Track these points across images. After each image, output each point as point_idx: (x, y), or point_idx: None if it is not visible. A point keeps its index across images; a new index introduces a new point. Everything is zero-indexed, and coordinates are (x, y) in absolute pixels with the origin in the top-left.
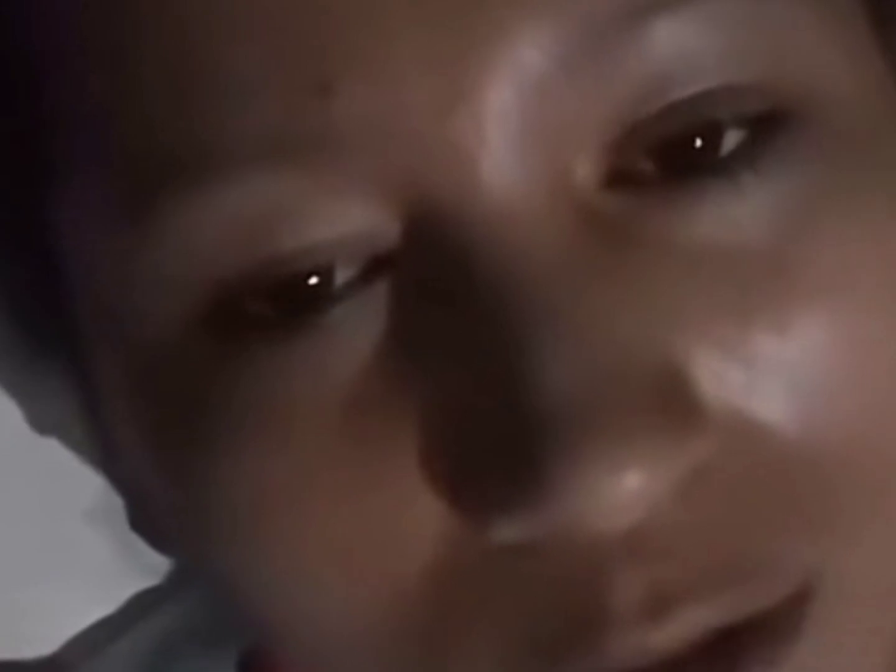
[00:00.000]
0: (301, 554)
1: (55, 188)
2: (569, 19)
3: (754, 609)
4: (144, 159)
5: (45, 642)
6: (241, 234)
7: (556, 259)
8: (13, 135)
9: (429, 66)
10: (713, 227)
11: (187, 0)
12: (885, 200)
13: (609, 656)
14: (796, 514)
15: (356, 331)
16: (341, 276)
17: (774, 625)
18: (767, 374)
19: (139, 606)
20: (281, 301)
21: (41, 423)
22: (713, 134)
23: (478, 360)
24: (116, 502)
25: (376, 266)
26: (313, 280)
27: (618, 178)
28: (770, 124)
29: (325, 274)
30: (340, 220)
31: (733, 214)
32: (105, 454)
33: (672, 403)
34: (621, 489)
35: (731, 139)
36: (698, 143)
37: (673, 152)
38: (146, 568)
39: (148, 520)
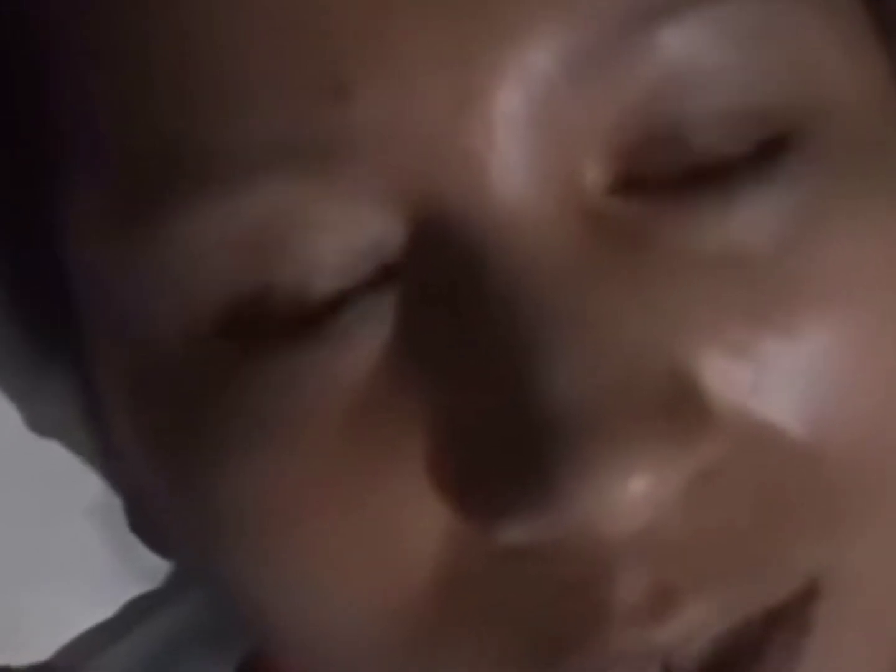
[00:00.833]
0: (307, 558)
1: (60, 192)
2: (577, 25)
3: (760, 608)
4: (152, 163)
5: (42, 646)
6: (249, 240)
7: (564, 264)
8: (17, 138)
9: (440, 70)
10: (720, 232)
11: (194, 2)
12: (891, 205)
13: (613, 654)
14: (803, 516)
15: (364, 336)
16: (349, 281)
17: (782, 625)
18: (775, 377)
19: (137, 610)
20: (289, 307)
21: (41, 426)
22: (721, 140)
23: (485, 365)
24: (115, 505)
25: (384, 271)
26: (321, 285)
27: (626, 183)
28: (779, 131)
29: (333, 279)
30: (349, 224)
31: (742, 220)
32: (106, 457)
33: (680, 407)
34: (629, 493)
35: (740, 146)
36: (706, 149)
37: (680, 158)
38: (145, 571)
39: (148, 523)
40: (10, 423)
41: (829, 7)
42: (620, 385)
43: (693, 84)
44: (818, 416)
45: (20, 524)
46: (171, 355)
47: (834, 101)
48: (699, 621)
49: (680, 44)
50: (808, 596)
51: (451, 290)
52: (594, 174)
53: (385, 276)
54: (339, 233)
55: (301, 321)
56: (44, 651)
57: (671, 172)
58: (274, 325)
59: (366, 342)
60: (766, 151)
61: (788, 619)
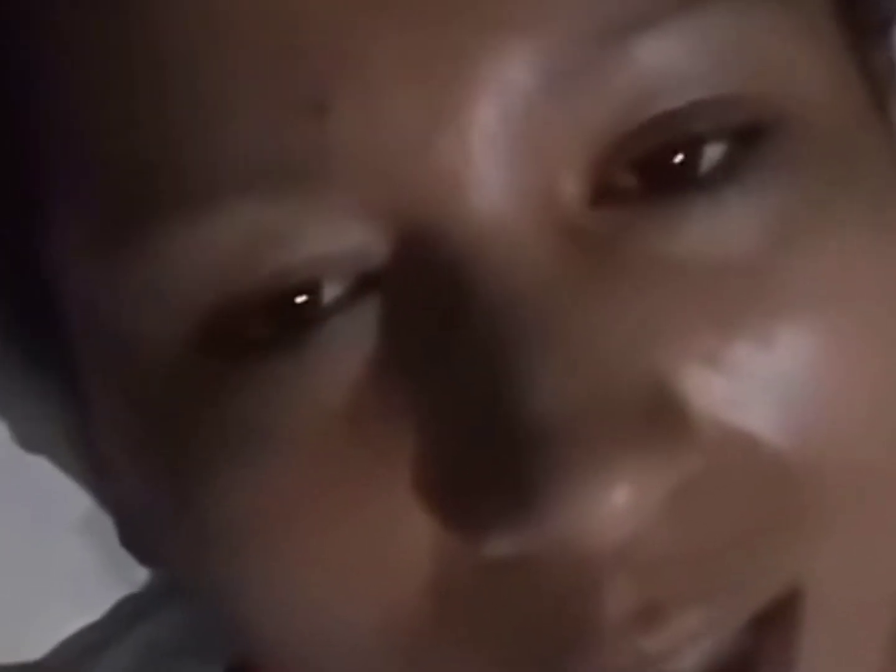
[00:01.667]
0: (295, 572)
1: (44, 213)
2: (553, 38)
3: (745, 616)
4: (133, 185)
5: (32, 649)
6: (231, 257)
7: (542, 278)
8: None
9: (415, 87)
10: (697, 241)
11: (172, 29)
12: (866, 211)
13: (602, 665)
14: (786, 524)
15: (347, 350)
16: (331, 295)
17: (765, 632)
18: (754, 386)
19: (125, 614)
20: (272, 321)
21: (29, 442)
22: (695, 148)
23: (467, 380)
24: (103, 515)
25: (366, 285)
26: (303, 299)
27: (602, 194)
28: (751, 137)
29: (315, 293)
30: (330, 241)
31: (717, 228)
32: (95, 473)
33: (660, 418)
34: (611, 505)
35: (713, 153)
36: (680, 157)
37: (655, 167)
38: (133, 580)
39: (138, 537)
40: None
41: (800, 15)
42: (599, 397)
43: (665, 91)
44: (797, 426)
45: (12, 537)
46: (156, 372)
47: (806, 108)
48: (686, 632)
49: (654, 55)
50: (792, 605)
51: (431, 305)
52: (571, 187)
53: (368, 289)
54: (320, 249)
55: (283, 336)
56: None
57: (647, 183)
58: (257, 339)
59: (349, 357)
60: (739, 160)
61: (776, 624)
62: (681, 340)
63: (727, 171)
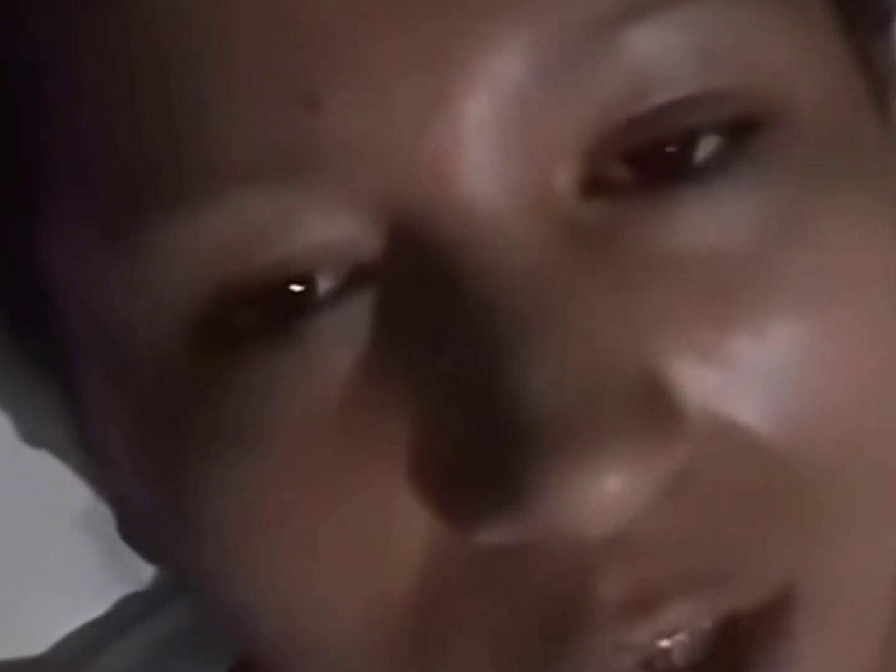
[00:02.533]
0: (289, 561)
1: (41, 206)
2: (545, 29)
3: (736, 609)
4: (130, 178)
5: (32, 645)
6: (226, 248)
7: (536, 268)
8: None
9: (408, 78)
10: (691, 233)
11: (170, 26)
12: (861, 204)
13: (592, 655)
14: (778, 516)
15: (340, 342)
16: (324, 286)
17: (759, 629)
18: (746, 378)
19: (127, 611)
20: (266, 312)
21: (33, 436)
22: (688, 141)
23: (460, 369)
24: (104, 510)
25: (359, 275)
26: (297, 290)
27: (595, 186)
28: (744, 130)
29: (309, 284)
30: (324, 232)
31: (710, 220)
32: (94, 467)
33: (651, 409)
34: (602, 494)
35: (706, 146)
36: (673, 150)
37: (648, 160)
38: (135, 580)
39: (137, 530)
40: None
41: (794, 8)
42: (591, 386)
43: (658, 84)
44: (789, 417)
45: (12, 533)
46: (150, 365)
47: (800, 99)
48: (676, 622)
49: (645, 46)
50: (784, 600)
51: (423, 295)
52: (563, 178)
53: (361, 280)
54: (313, 240)
55: (277, 328)
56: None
57: (640, 175)
58: (250, 331)
59: (343, 348)
60: (732, 152)
61: (768, 624)
62: (673, 331)
63: (720, 163)
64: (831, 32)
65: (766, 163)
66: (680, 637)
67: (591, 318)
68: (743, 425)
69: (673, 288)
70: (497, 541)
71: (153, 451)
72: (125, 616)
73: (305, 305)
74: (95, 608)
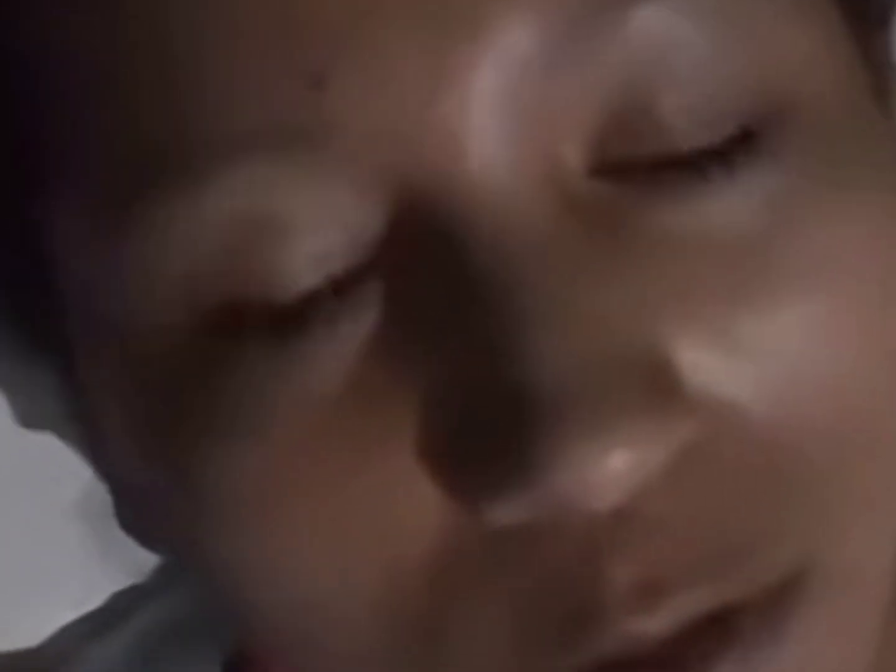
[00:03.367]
0: (297, 543)
1: (43, 187)
2: (556, 7)
3: (746, 593)
4: (133, 155)
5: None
6: (229, 227)
7: (543, 243)
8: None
9: (415, 55)
10: (698, 216)
11: (174, 4)
12: (867, 192)
13: (603, 645)
14: (784, 497)
15: (349, 320)
16: (333, 266)
17: (768, 611)
18: (750, 359)
19: (122, 604)
20: (272, 294)
21: (31, 419)
22: (696, 124)
23: (467, 346)
24: (99, 502)
25: (366, 254)
26: (304, 272)
27: (604, 166)
28: (753, 115)
29: (316, 265)
30: (330, 211)
31: (718, 204)
32: (94, 451)
33: (656, 386)
34: (607, 468)
35: (715, 129)
36: (682, 133)
37: (657, 142)
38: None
39: (137, 516)
40: None
41: None
42: (598, 363)
43: (667, 66)
44: (794, 400)
45: (6, 523)
46: (155, 343)
47: (808, 89)
48: (686, 608)
49: (654, 25)
50: (793, 580)
51: (432, 272)
52: (572, 157)
53: (367, 260)
54: (319, 219)
55: (285, 308)
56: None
57: (649, 156)
58: (257, 312)
59: (351, 328)
60: (741, 135)
61: (776, 604)
62: (679, 312)
63: (730, 148)
64: (837, 24)
65: (774, 147)
66: (690, 621)
67: (597, 295)
68: (748, 406)
69: (679, 269)
70: (506, 516)
71: (155, 430)
72: (118, 609)
73: (312, 288)
74: (89, 603)
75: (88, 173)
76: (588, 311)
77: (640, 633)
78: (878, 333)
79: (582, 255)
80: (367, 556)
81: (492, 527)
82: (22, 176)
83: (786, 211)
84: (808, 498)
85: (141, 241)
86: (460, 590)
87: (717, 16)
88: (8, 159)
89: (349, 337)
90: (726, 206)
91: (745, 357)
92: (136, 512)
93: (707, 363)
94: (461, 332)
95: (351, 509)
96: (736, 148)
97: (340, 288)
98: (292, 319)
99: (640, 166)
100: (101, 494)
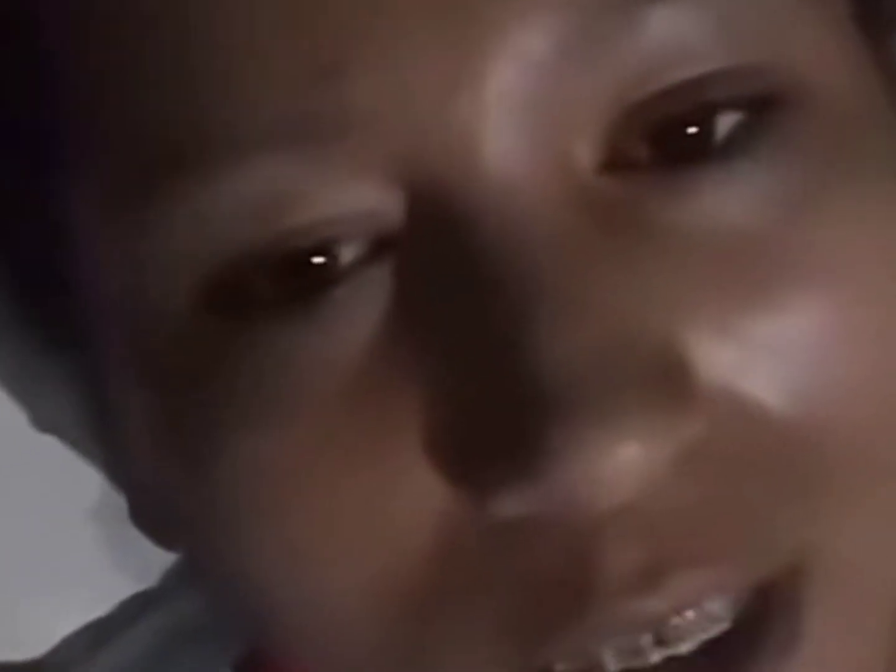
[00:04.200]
0: (303, 530)
1: (64, 172)
2: (570, 8)
3: (748, 583)
4: (154, 142)
5: (34, 645)
6: (248, 214)
7: (556, 236)
8: (18, 130)
9: (434, 49)
10: (709, 210)
11: None
12: (876, 186)
13: (603, 624)
14: (790, 491)
15: (361, 310)
16: (346, 256)
17: (769, 603)
18: (761, 354)
19: (131, 609)
20: (287, 281)
21: (42, 422)
22: (708, 119)
23: (478, 338)
24: (110, 506)
25: (381, 245)
26: (318, 259)
27: (615, 162)
28: (763, 109)
29: (331, 253)
30: (346, 200)
31: (729, 198)
32: (107, 447)
33: (668, 382)
34: (616, 463)
35: (726, 124)
36: (693, 128)
37: (668, 137)
38: (139, 574)
39: (151, 515)
40: (6, 424)
41: None
42: (609, 358)
43: (680, 63)
44: (804, 394)
45: (16, 528)
46: (172, 332)
47: (819, 79)
48: (687, 593)
49: (669, 24)
50: (795, 573)
51: (446, 265)
52: (584, 152)
53: (382, 250)
54: (335, 207)
55: (297, 296)
56: (35, 650)
57: (660, 152)
58: (270, 298)
59: (363, 316)
60: (753, 131)
61: (778, 597)
62: (690, 306)
63: (740, 141)
64: (849, 22)
65: (785, 141)
66: (690, 613)
67: (609, 289)
68: (758, 400)
69: (690, 264)
70: (512, 509)
71: (171, 420)
72: (125, 617)
73: (324, 275)
74: (99, 608)
75: (108, 162)
76: (600, 304)
77: (637, 614)
78: (890, 327)
79: (594, 249)
80: (368, 547)
81: (494, 519)
82: (40, 170)
83: (798, 207)
84: (814, 490)
85: (158, 229)
86: (461, 581)
87: (727, 7)
88: (27, 144)
89: (359, 327)
90: (738, 202)
91: (758, 352)
92: (150, 510)
93: (720, 358)
94: (473, 323)
95: (356, 501)
96: (749, 141)
97: (352, 279)
98: (305, 304)
99: (651, 162)
100: (112, 500)
